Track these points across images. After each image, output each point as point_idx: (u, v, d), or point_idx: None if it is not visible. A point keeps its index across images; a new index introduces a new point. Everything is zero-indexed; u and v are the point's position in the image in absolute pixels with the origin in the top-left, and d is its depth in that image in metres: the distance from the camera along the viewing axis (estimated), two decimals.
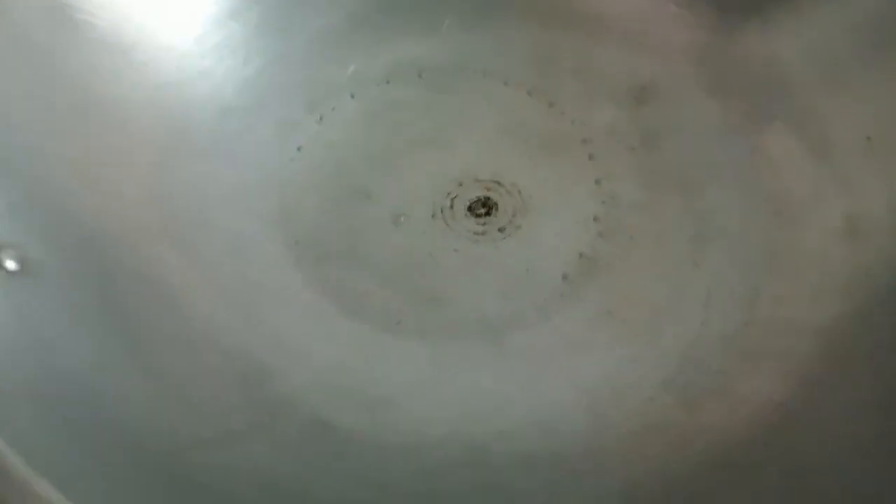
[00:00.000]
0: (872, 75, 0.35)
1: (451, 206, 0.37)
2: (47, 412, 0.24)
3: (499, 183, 0.37)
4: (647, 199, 0.36)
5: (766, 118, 0.37)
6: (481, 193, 0.37)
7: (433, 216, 0.36)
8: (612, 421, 0.29)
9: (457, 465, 0.28)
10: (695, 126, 0.38)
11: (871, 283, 0.30)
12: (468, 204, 0.37)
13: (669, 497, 0.26)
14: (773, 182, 0.35)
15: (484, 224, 0.36)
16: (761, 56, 0.38)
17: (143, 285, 0.30)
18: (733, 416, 0.28)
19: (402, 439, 0.29)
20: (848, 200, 0.33)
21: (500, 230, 0.36)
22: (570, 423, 0.29)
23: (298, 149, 0.37)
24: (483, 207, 0.37)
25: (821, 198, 0.33)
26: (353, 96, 0.39)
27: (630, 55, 0.40)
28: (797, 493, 0.24)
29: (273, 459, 0.27)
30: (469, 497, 0.27)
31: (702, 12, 0.39)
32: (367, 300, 0.33)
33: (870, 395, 0.26)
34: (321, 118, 0.38)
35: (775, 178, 0.35)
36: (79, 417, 0.25)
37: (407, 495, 0.27)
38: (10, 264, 0.27)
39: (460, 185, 0.37)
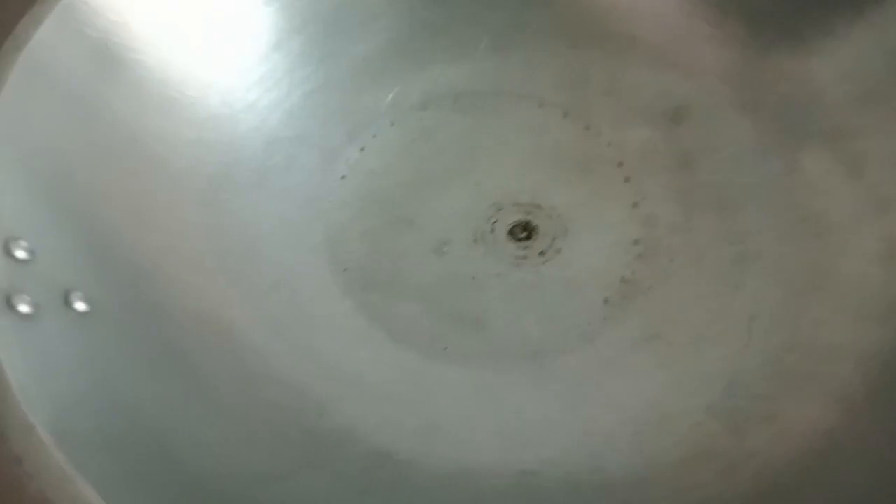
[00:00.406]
0: None
1: (492, 231, 0.37)
2: (115, 449, 0.25)
3: (538, 206, 0.38)
4: (686, 220, 0.37)
5: (801, 137, 0.37)
6: (521, 217, 0.38)
7: (475, 241, 0.37)
8: (660, 448, 0.30)
9: (508, 490, 0.29)
10: (730, 146, 0.38)
11: None
12: (509, 228, 0.37)
13: None
14: (810, 203, 0.35)
15: (525, 248, 0.37)
16: (795, 75, 0.38)
17: (198, 321, 0.31)
18: (780, 442, 0.29)
19: (452, 466, 0.29)
20: (885, 222, 0.33)
21: (541, 254, 0.37)
22: (616, 450, 0.30)
23: (342, 177, 0.38)
24: (524, 231, 0.37)
25: (857, 219, 0.34)
26: (392, 123, 0.40)
27: (663, 75, 0.41)
28: None
29: (332, 492, 0.28)
30: None
31: (735, 32, 0.39)
32: (414, 326, 0.34)
33: None
34: (363, 147, 0.39)
35: (811, 198, 0.35)
36: (144, 454, 0.26)
37: None
38: (80, 305, 0.28)
39: (500, 209, 0.38)
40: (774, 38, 0.39)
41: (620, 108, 0.40)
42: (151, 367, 0.29)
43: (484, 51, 0.42)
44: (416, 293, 0.35)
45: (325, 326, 0.34)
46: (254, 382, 0.30)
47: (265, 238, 0.36)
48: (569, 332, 0.34)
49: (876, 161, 0.36)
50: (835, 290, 0.33)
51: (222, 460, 0.27)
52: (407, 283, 0.36)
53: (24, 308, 0.26)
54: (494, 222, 0.38)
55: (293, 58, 0.39)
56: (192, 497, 0.26)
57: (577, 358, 0.33)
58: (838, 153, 0.36)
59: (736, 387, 0.31)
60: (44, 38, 0.31)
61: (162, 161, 0.34)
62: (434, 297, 0.35)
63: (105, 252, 0.30)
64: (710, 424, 0.30)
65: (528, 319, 0.35)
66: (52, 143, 0.30)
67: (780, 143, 0.37)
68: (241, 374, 0.30)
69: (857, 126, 0.36)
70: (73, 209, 0.30)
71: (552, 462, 0.30)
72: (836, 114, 0.37)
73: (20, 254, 0.27)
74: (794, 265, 0.34)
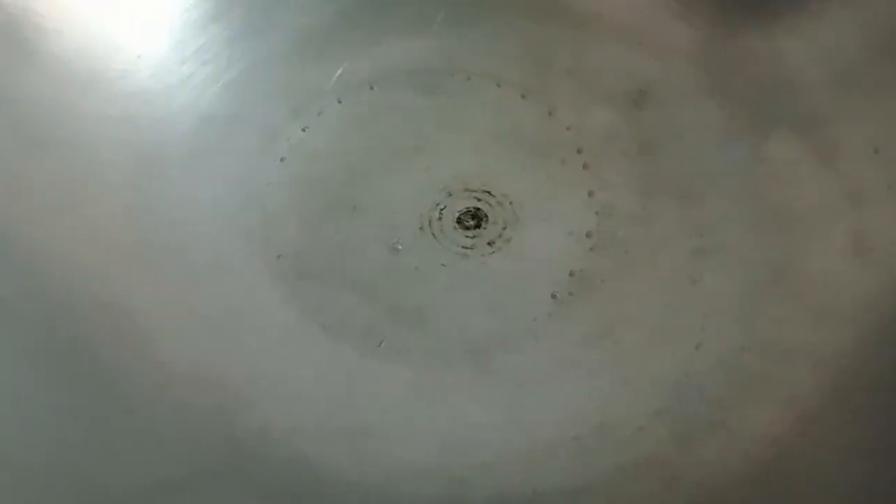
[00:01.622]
0: (883, 78, 0.33)
1: (440, 218, 0.35)
2: (10, 465, 0.24)
3: (489, 193, 0.36)
4: (644, 209, 0.35)
5: (771, 123, 0.35)
6: (471, 204, 0.36)
7: (421, 228, 0.35)
8: (600, 454, 0.28)
9: (434, 500, 0.27)
10: (695, 132, 0.36)
11: (877, 309, 0.28)
12: (457, 215, 0.35)
13: None
14: (777, 194, 0.33)
15: (473, 237, 0.35)
16: (766, 56, 0.36)
17: (112, 315, 0.29)
18: (728, 450, 0.27)
19: (379, 473, 0.28)
20: (855, 216, 0.31)
21: (490, 244, 0.35)
22: (555, 456, 0.28)
23: (282, 159, 0.36)
24: (472, 219, 0.35)
25: (826, 212, 0.32)
26: (339, 101, 0.38)
27: (628, 55, 0.38)
28: None
29: (243, 498, 0.26)
30: None
31: (703, 10, 0.37)
32: (349, 319, 0.32)
33: (867, 434, 0.25)
34: (306, 126, 0.37)
35: (778, 189, 0.33)
36: (36, 459, 0.24)
37: None
38: None
39: (449, 195, 0.36)
40: (745, 16, 0.37)
41: (582, 89, 0.38)
42: (55, 369, 0.27)
43: (440, 24, 0.39)
44: (354, 284, 0.33)
45: (251, 318, 0.32)
46: (169, 381, 0.28)
47: (194, 223, 0.33)
48: (514, 328, 0.32)
49: (849, 150, 0.33)
50: (797, 287, 0.31)
51: (128, 465, 0.25)
52: (345, 272, 0.33)
53: None
54: (442, 209, 0.35)
55: (233, 29, 0.37)
56: None
57: (520, 356, 0.31)
58: (809, 141, 0.34)
59: (685, 390, 0.29)
60: None
61: (83, 142, 0.32)
62: (373, 288, 0.33)
63: (6, 236, 0.28)
64: (655, 430, 0.28)
65: (472, 314, 0.32)
66: None
67: (748, 129, 0.35)
68: (153, 371, 0.28)
69: (830, 111, 0.34)
70: None
71: (485, 468, 0.28)
72: (809, 98, 0.35)
73: None
74: (755, 260, 0.32)
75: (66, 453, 0.24)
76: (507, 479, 0.27)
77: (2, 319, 0.26)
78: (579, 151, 0.36)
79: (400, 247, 0.33)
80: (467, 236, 0.35)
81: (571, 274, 0.33)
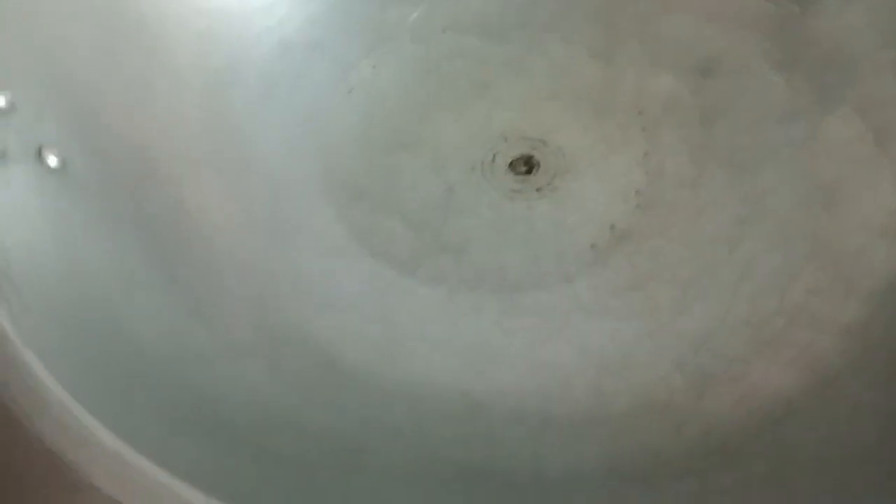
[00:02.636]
0: None
1: (493, 161, 0.36)
2: (64, 310, 0.26)
3: (544, 143, 0.37)
4: (695, 176, 0.35)
5: (833, 101, 0.35)
6: (525, 151, 0.36)
7: (472, 169, 0.36)
8: (615, 393, 0.29)
9: (448, 417, 0.28)
10: (757, 104, 0.36)
11: None
12: (510, 161, 0.36)
13: (653, 472, 0.25)
14: (827, 171, 0.33)
15: (522, 182, 0.36)
16: (837, 33, 0.35)
17: (176, 205, 0.31)
18: (738, 404, 0.27)
19: (400, 383, 0.29)
20: None
21: (538, 190, 0.35)
22: (570, 389, 0.29)
23: (350, 91, 0.38)
24: (524, 165, 0.36)
25: (872, 192, 0.32)
26: (412, 42, 0.39)
27: (700, 25, 0.38)
28: (781, 486, 0.24)
29: (271, 382, 0.28)
30: (456, 443, 0.27)
31: None
32: (393, 243, 0.34)
33: (878, 401, 0.25)
34: (376, 63, 0.38)
35: (830, 166, 0.33)
36: (92, 323, 0.26)
37: (394, 436, 0.27)
38: (52, 160, 0.28)
39: (505, 140, 0.37)
40: None
41: (651, 54, 0.38)
42: (118, 236, 0.29)
43: None
44: (401, 212, 0.35)
45: (302, 231, 0.33)
46: (217, 268, 0.30)
47: (261, 139, 0.36)
48: (548, 271, 0.33)
49: None
50: (833, 261, 0.31)
51: (169, 334, 0.27)
52: (394, 201, 0.35)
53: None
54: (496, 153, 0.36)
55: None
56: (134, 365, 0.26)
57: (551, 296, 0.32)
58: (868, 121, 0.34)
59: (709, 345, 0.30)
60: None
61: (168, 47, 0.34)
62: (419, 219, 0.34)
63: (93, 120, 0.30)
64: (672, 378, 0.29)
65: (510, 253, 0.34)
66: (57, 8, 0.31)
67: (810, 105, 0.35)
68: (204, 256, 0.30)
69: (892, 94, 0.34)
70: (68, 75, 0.31)
71: (501, 392, 0.29)
72: (875, 79, 0.34)
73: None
74: (796, 232, 0.32)
75: (116, 311, 0.26)
76: (521, 404, 0.28)
77: (70, 183, 0.28)
78: (640, 113, 0.37)
79: (442, 173, 0.35)
80: (517, 181, 0.36)
81: (613, 227, 0.34)
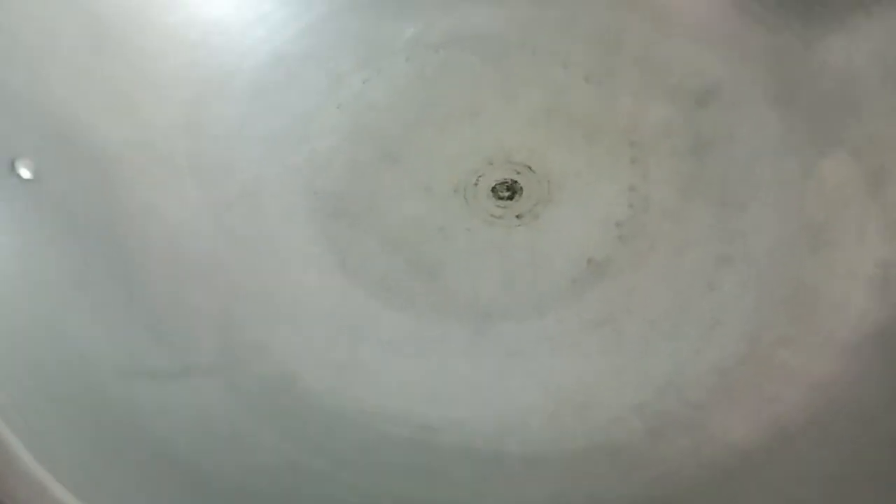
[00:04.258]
0: None
1: (476, 184, 0.36)
2: (10, 321, 0.26)
3: (530, 168, 0.36)
4: (680, 209, 0.34)
5: (829, 141, 0.34)
6: (509, 176, 0.36)
7: (455, 191, 0.36)
8: (572, 431, 0.28)
9: (402, 442, 0.28)
10: (752, 139, 0.35)
11: (886, 345, 0.27)
12: (493, 185, 0.36)
13: None
14: (817, 213, 0.32)
15: (503, 208, 0.35)
16: (839, 73, 0.34)
17: (149, 214, 0.31)
18: (693, 454, 0.27)
19: (356, 408, 0.29)
20: (890, 249, 0.30)
21: (518, 217, 0.35)
22: (528, 426, 0.29)
23: (338, 106, 0.38)
24: (507, 191, 0.36)
25: (861, 239, 0.30)
26: (407, 59, 0.39)
27: (699, 53, 0.37)
28: None
29: (224, 403, 0.28)
30: (402, 475, 0.27)
31: (784, 17, 0.36)
32: (368, 262, 0.33)
33: (830, 463, 0.24)
34: (367, 78, 0.38)
35: (820, 208, 0.32)
36: (39, 332, 0.26)
37: (344, 462, 0.27)
38: (25, 173, 0.28)
39: (490, 163, 0.36)
40: (828, 30, 0.35)
41: (647, 81, 0.38)
42: (83, 244, 0.29)
43: None
44: (379, 231, 0.34)
45: (278, 244, 0.33)
46: (183, 283, 0.30)
47: (245, 148, 0.36)
48: (520, 301, 0.32)
49: None
50: (813, 310, 0.30)
51: (124, 349, 0.28)
52: (374, 219, 0.35)
53: None
54: (480, 176, 0.36)
55: None
56: (79, 379, 0.26)
57: (520, 327, 0.32)
58: (862, 165, 0.32)
59: (673, 390, 0.29)
60: None
61: (156, 54, 0.35)
62: (396, 239, 0.34)
63: (68, 129, 0.31)
64: (631, 421, 0.28)
65: (484, 280, 0.33)
66: (38, 22, 0.31)
67: (805, 143, 0.34)
68: (174, 273, 0.30)
69: (891, 139, 0.32)
70: (45, 88, 0.31)
71: (456, 423, 0.29)
72: (874, 122, 0.33)
73: None
74: (778, 276, 0.31)
75: (70, 321, 0.27)
76: (475, 435, 0.28)
77: (42, 195, 0.28)
78: (631, 142, 0.36)
79: (423, 194, 0.34)
80: (498, 206, 0.35)
81: (590, 261, 0.33)
